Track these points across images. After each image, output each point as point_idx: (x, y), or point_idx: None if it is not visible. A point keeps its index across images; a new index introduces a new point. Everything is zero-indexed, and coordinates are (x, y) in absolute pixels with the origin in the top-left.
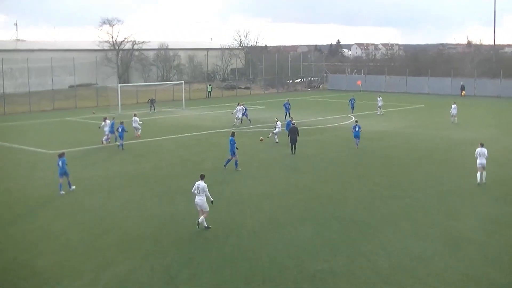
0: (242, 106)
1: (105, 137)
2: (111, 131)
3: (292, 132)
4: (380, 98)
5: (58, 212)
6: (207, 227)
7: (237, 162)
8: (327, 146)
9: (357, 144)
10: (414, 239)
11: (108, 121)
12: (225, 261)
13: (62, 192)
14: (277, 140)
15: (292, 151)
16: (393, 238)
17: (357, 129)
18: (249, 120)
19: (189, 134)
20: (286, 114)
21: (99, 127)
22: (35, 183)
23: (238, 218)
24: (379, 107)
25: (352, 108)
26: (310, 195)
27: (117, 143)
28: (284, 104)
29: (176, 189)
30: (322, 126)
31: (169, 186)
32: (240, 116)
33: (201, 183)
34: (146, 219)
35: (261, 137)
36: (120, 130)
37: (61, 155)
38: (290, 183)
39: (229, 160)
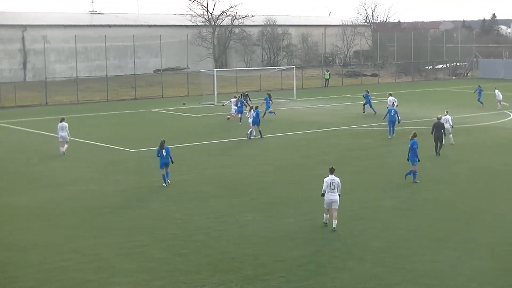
0: (393, 97)
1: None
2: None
3: (438, 128)
4: (497, 90)
5: (135, 224)
6: (334, 229)
7: (415, 173)
8: (475, 151)
9: None
10: None
11: (233, 99)
12: None
13: (165, 184)
14: (452, 142)
15: (436, 152)
16: None
17: None
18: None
19: (300, 132)
20: (364, 107)
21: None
22: (108, 189)
23: (361, 238)
24: (499, 101)
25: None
26: (451, 214)
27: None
28: (365, 96)
29: (282, 200)
30: (470, 125)
31: (274, 196)
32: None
33: (335, 178)
34: (245, 236)
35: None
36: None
37: (162, 144)
38: (427, 197)
39: (411, 171)
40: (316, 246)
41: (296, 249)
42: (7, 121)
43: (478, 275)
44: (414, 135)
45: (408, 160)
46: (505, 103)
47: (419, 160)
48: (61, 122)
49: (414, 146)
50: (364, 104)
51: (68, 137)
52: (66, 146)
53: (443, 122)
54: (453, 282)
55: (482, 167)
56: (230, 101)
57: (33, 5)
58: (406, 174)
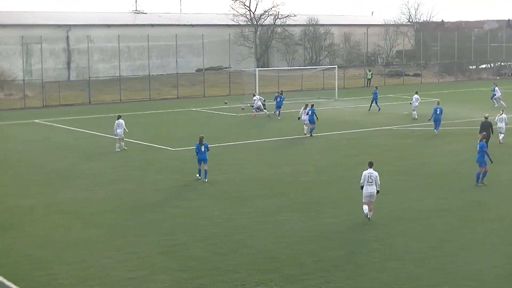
0: (417, 95)
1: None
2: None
3: (485, 128)
4: (497, 87)
5: (175, 223)
6: (369, 219)
7: (486, 174)
8: None
9: None
10: None
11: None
12: None
13: (199, 177)
14: (501, 141)
15: None
16: None
17: None
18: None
19: (341, 131)
20: (372, 103)
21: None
22: (148, 188)
23: (400, 238)
24: (498, 98)
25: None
26: (490, 215)
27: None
28: (374, 92)
29: (322, 199)
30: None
31: (313, 196)
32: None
33: (373, 172)
34: (284, 236)
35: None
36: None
37: (202, 140)
38: (467, 198)
39: (479, 174)
40: (355, 246)
41: (335, 249)
42: (51, 120)
43: None
44: (483, 137)
45: (477, 162)
46: (503, 103)
47: (491, 162)
48: (118, 119)
49: (484, 149)
50: (372, 101)
51: (123, 135)
52: (122, 143)
53: (490, 121)
54: (493, 284)
55: None
56: (254, 100)
57: (77, 5)
58: (477, 179)
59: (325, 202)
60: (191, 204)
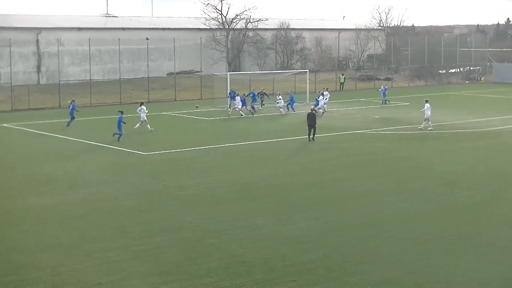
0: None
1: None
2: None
3: None
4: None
5: (146, 228)
6: None
7: None
8: (489, 156)
9: None
10: None
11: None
12: None
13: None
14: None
15: None
16: None
17: None
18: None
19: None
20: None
21: None
22: (120, 192)
23: (371, 242)
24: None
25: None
26: (464, 217)
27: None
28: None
29: (295, 204)
30: (481, 129)
31: (289, 200)
32: None
33: None
34: (256, 241)
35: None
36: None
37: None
38: (440, 201)
39: None
40: (325, 250)
41: (305, 253)
42: (21, 124)
43: (493, 280)
44: None
45: None
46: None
47: None
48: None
49: None
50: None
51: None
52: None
53: None
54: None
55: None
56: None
57: (47, 7)
58: None
59: (298, 206)
60: (166, 208)
